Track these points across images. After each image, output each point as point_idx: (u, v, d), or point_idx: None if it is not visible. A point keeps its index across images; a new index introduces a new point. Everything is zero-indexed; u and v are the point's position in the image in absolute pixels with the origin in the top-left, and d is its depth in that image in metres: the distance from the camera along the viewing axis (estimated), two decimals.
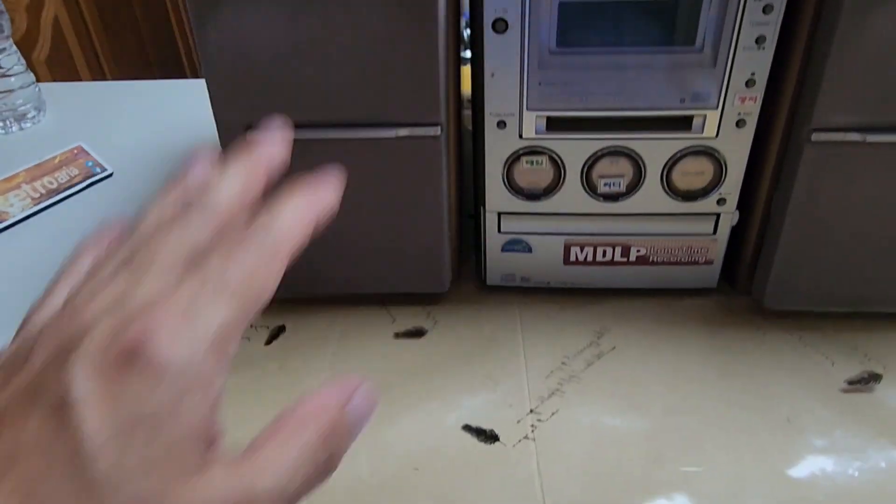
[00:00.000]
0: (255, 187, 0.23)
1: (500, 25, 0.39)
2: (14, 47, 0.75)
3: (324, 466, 0.20)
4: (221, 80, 0.40)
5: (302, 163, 0.42)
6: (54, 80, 1.33)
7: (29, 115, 0.76)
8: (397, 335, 0.47)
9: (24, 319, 0.22)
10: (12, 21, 1.24)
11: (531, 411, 0.41)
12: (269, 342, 0.46)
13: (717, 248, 0.47)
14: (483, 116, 0.42)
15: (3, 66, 0.74)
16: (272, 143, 0.25)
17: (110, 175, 0.66)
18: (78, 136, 0.73)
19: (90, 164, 0.66)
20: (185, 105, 0.78)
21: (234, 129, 0.41)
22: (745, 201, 0.46)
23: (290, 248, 0.21)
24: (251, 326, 0.47)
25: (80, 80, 1.41)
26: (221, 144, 0.42)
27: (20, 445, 0.16)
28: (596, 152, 0.43)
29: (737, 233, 0.47)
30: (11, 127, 0.75)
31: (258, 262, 0.20)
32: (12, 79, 0.74)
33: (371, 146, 0.42)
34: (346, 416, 0.20)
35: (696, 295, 0.49)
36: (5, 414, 0.17)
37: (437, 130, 0.41)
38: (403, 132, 0.41)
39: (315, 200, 0.23)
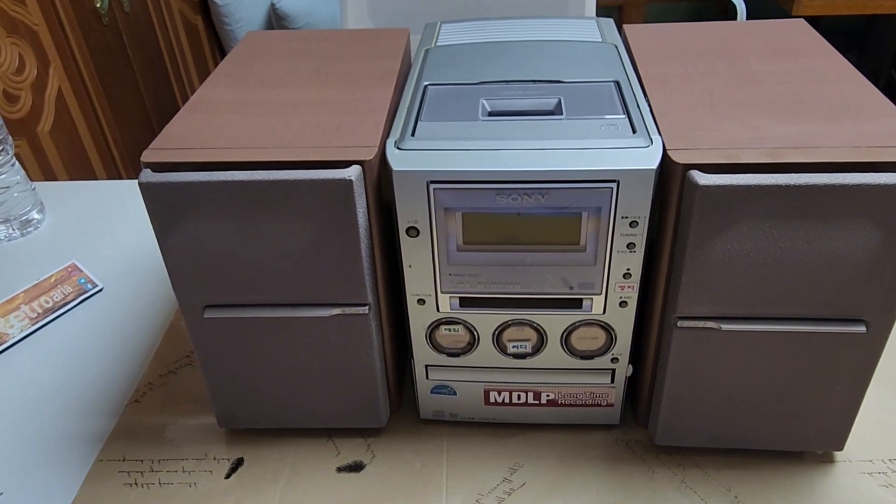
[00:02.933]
0: None
1: (413, 232, 0.46)
2: (15, 161, 0.83)
3: None
4: (181, 271, 0.47)
5: (253, 335, 0.50)
6: (57, 149, 1.42)
7: (32, 221, 0.84)
8: (339, 469, 0.54)
9: None
10: (18, 99, 1.33)
11: None
12: (228, 476, 0.54)
13: (617, 393, 0.54)
14: (406, 295, 0.49)
15: (10, 179, 0.81)
16: None
17: (101, 290, 0.74)
18: (73, 247, 0.81)
19: (82, 280, 0.74)
20: None
21: (195, 308, 0.49)
22: (640, 355, 0.53)
23: None
24: (214, 459, 0.55)
25: (83, 145, 1.50)
26: (186, 321, 0.50)
27: None
28: (503, 322, 0.50)
29: (634, 379, 0.54)
30: (15, 233, 0.83)
31: None
32: (16, 193, 0.82)
33: (313, 321, 0.49)
34: None
35: (601, 429, 0.56)
36: None
37: (365, 309, 0.49)
38: (337, 311, 0.49)
39: None
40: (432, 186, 0.44)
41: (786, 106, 0.47)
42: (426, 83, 0.53)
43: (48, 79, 1.39)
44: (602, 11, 2.41)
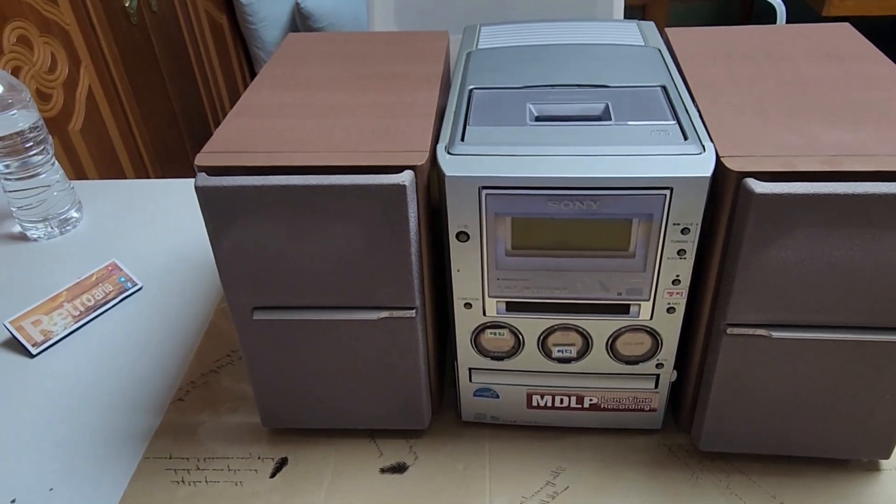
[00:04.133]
0: None
1: (463, 237, 0.46)
2: (55, 160, 0.84)
3: None
4: (233, 273, 0.48)
5: (300, 337, 0.50)
6: (88, 148, 1.44)
7: (70, 220, 0.86)
8: (382, 470, 0.54)
9: None
10: (50, 98, 1.35)
11: None
12: (273, 475, 0.54)
13: (660, 398, 0.54)
14: (453, 299, 0.50)
15: (50, 178, 0.83)
16: None
17: (140, 289, 0.75)
18: (111, 246, 0.82)
19: (122, 279, 0.75)
20: None
21: (244, 309, 0.50)
22: (684, 361, 0.53)
23: None
24: (258, 459, 0.55)
25: (112, 144, 1.52)
26: (234, 322, 0.50)
27: None
28: (549, 327, 0.50)
29: (678, 385, 0.54)
30: (55, 231, 0.85)
31: None
32: (56, 192, 0.83)
33: (360, 324, 0.50)
34: None
35: (643, 433, 0.56)
36: None
37: (412, 313, 0.49)
38: (384, 314, 0.49)
39: None
40: (484, 192, 0.44)
41: (838, 111, 0.47)
42: (471, 87, 0.53)
43: (79, 77, 1.41)
44: (626, 11, 2.40)
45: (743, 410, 0.50)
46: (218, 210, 0.45)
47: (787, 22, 2.22)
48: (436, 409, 0.57)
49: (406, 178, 0.43)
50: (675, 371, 0.52)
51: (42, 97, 1.31)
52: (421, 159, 0.45)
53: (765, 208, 0.41)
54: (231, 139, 0.48)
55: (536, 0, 1.22)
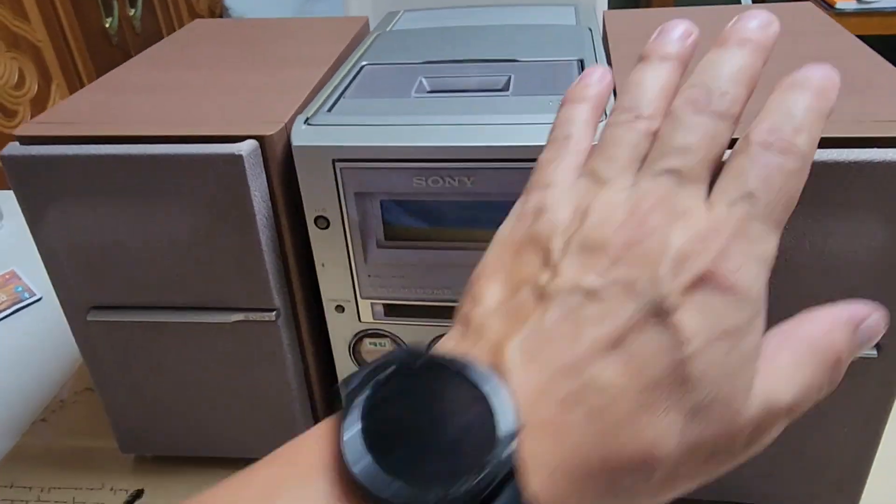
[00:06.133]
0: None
1: (322, 222, 0.39)
2: None
3: (820, 391, 0.22)
4: (59, 265, 0.41)
5: (149, 344, 0.43)
6: None
7: None
8: None
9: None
10: (15, 114, 1.31)
11: None
12: None
13: None
14: (323, 300, 0.42)
15: None
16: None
17: (39, 300, 0.69)
18: (22, 254, 0.76)
19: (20, 289, 0.69)
20: None
21: (79, 310, 0.42)
22: None
23: (812, 155, 0.21)
24: (110, 490, 0.48)
25: None
26: (69, 325, 0.43)
27: (624, 329, 0.20)
28: (437, 337, 0.42)
29: None
30: None
31: (793, 182, 0.21)
32: None
33: (212, 329, 0.42)
34: (854, 343, 0.22)
35: None
36: (603, 297, 0.20)
37: (271, 315, 0.41)
38: (239, 317, 0.41)
39: (820, 96, 0.22)
40: (339, 165, 0.37)
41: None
42: (364, 63, 0.47)
43: (49, 94, 1.38)
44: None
45: None
46: (33, 187, 0.38)
47: None
48: None
49: (245, 148, 0.36)
50: None
51: (6, 113, 1.28)
52: (271, 129, 0.38)
53: None
54: (70, 111, 0.42)
55: None
